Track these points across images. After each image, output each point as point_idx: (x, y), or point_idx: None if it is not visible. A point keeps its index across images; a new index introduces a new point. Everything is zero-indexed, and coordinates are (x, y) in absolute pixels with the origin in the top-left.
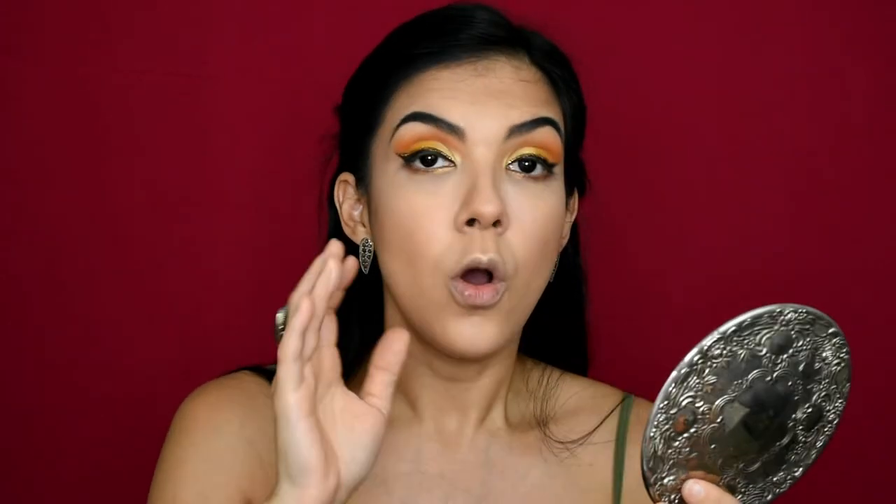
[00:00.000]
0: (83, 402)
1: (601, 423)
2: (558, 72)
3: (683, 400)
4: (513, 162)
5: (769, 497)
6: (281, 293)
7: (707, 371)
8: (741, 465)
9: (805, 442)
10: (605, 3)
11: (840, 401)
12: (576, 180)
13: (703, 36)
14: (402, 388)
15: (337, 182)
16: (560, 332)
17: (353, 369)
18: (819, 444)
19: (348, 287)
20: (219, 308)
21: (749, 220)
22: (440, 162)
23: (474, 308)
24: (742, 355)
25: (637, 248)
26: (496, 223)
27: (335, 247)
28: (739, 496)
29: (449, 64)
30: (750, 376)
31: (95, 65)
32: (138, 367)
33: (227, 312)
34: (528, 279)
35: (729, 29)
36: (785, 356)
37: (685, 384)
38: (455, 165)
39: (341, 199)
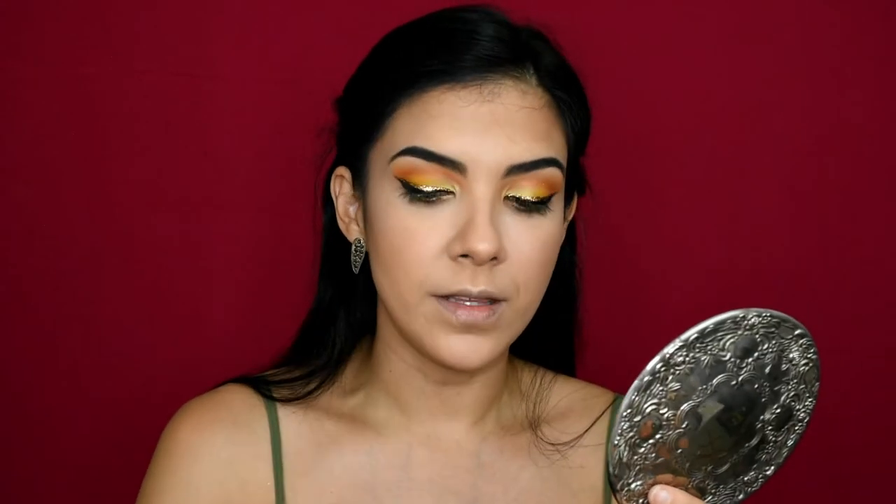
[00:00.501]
0: (83, 402)
1: (591, 425)
2: (564, 95)
3: (647, 407)
4: (511, 196)
5: (741, 496)
6: (281, 293)
7: (670, 378)
8: (710, 468)
9: (776, 441)
10: (602, 2)
11: (810, 399)
12: (575, 185)
13: (701, 35)
14: (393, 393)
15: (333, 176)
16: (551, 330)
17: (338, 369)
18: (790, 442)
19: (338, 282)
20: (219, 308)
21: (749, 221)
22: (439, 192)
23: (469, 327)
24: (706, 361)
25: (635, 248)
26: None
27: None
28: (709, 497)
29: (454, 86)
30: (714, 381)
31: (95, 65)
32: (138, 366)
33: (228, 312)
34: (530, 299)
35: (727, 27)
36: (750, 360)
37: (648, 392)
38: (454, 194)
39: (337, 193)
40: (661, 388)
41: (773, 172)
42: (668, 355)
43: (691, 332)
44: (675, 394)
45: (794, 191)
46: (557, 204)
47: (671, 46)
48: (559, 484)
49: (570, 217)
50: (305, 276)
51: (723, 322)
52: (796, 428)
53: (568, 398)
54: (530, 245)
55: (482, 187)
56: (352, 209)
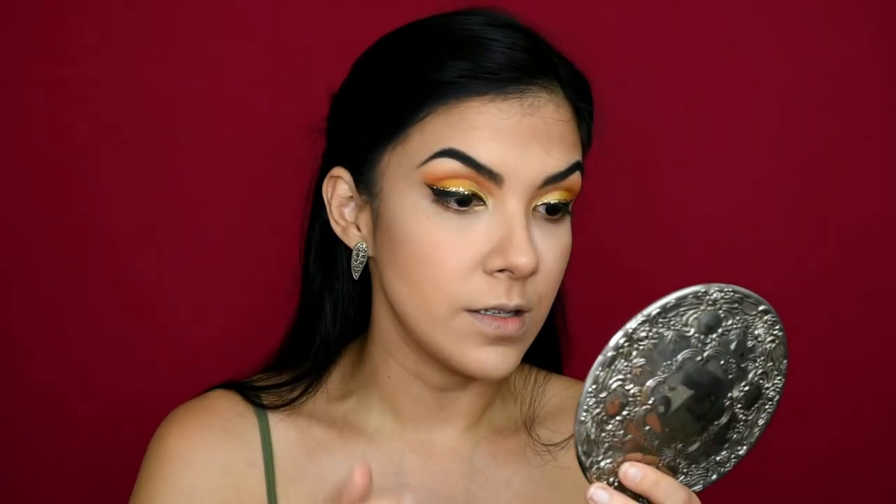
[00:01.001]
0: (77, 404)
1: None
2: (584, 105)
3: (613, 383)
4: (540, 205)
5: (714, 476)
6: (277, 294)
7: (634, 354)
8: (680, 446)
9: (746, 420)
10: (592, 4)
11: (779, 378)
12: None
13: (694, 34)
14: (389, 398)
15: (328, 176)
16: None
17: (323, 374)
18: (761, 421)
19: (326, 284)
20: (214, 308)
21: (741, 222)
22: (474, 199)
23: (501, 339)
24: (669, 336)
25: (624, 248)
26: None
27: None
28: (682, 476)
29: (494, 98)
30: (679, 357)
31: (83, 65)
32: (132, 367)
33: (226, 312)
34: (547, 308)
35: (719, 27)
36: (714, 336)
37: (613, 367)
38: (485, 205)
39: (330, 195)
40: (625, 364)
41: (765, 172)
42: (630, 330)
43: (653, 307)
44: (639, 369)
45: (786, 190)
46: (570, 207)
47: (662, 43)
48: (551, 486)
49: None
50: (299, 277)
51: (685, 297)
52: (766, 407)
53: (557, 397)
54: (553, 256)
55: (517, 200)
56: (347, 211)
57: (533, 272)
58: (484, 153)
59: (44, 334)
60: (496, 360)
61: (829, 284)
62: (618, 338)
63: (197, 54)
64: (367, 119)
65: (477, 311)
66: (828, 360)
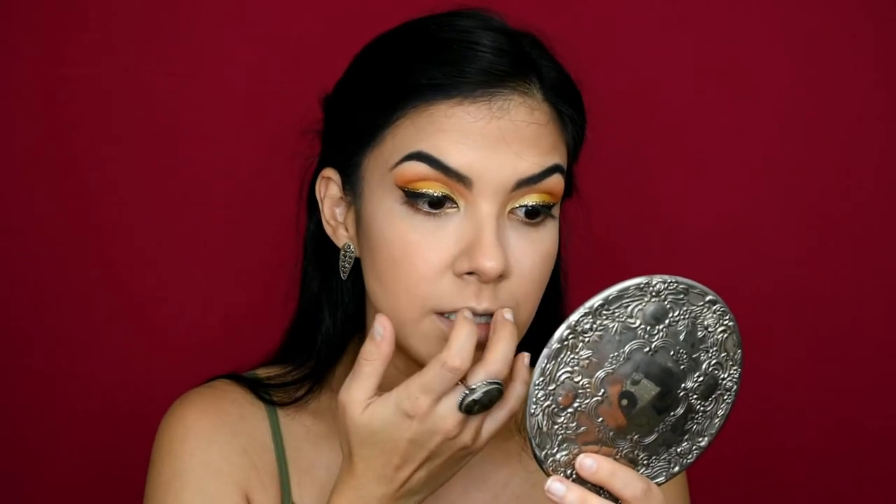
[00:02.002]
0: (76, 409)
1: None
2: (567, 109)
3: (561, 375)
4: (517, 207)
5: (676, 468)
6: (271, 292)
7: (580, 346)
8: (636, 437)
9: (705, 411)
10: (591, 5)
11: (734, 368)
12: (565, 190)
13: (694, 34)
14: None
15: (319, 177)
16: (537, 331)
17: (326, 374)
18: (721, 412)
19: (323, 284)
20: (212, 312)
21: (739, 223)
22: (445, 200)
23: None
24: (614, 328)
25: (623, 250)
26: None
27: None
28: (643, 469)
29: (462, 101)
30: (626, 348)
31: (77, 65)
32: (129, 368)
33: (220, 315)
34: (528, 314)
35: (717, 29)
36: (661, 326)
37: (559, 360)
38: (458, 208)
39: (322, 195)
40: (571, 356)
41: (763, 174)
42: (573, 322)
43: (595, 300)
44: (587, 361)
45: (786, 190)
46: (557, 211)
47: (658, 46)
48: None
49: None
50: (297, 277)
51: (626, 289)
52: (726, 398)
53: None
54: (532, 261)
55: (488, 203)
56: (338, 211)
57: (501, 276)
58: (451, 156)
59: (43, 334)
60: None
61: (829, 284)
62: (562, 330)
63: (197, 55)
64: (351, 121)
65: (444, 315)
66: (827, 359)
